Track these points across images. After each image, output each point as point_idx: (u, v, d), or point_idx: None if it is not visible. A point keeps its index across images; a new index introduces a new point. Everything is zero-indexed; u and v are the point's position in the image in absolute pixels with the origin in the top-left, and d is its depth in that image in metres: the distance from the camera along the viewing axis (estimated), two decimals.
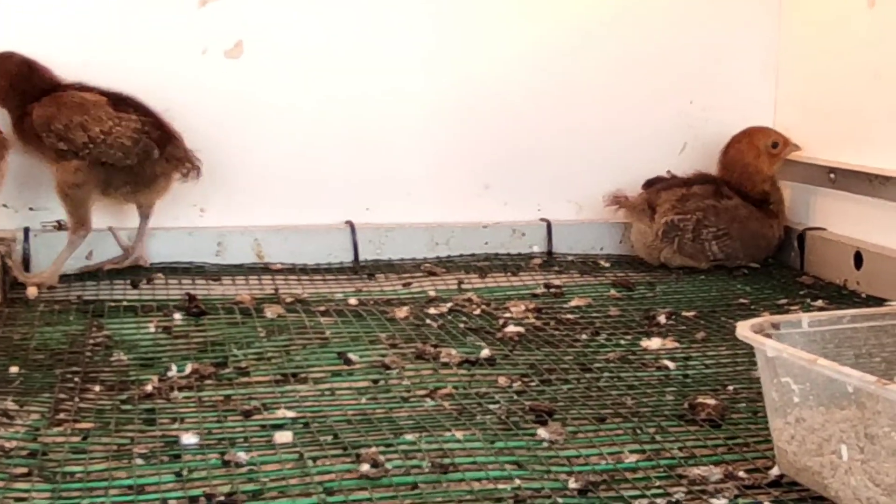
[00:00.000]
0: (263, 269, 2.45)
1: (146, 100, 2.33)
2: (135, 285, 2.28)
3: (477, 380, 1.70)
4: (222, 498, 1.24)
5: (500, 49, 2.62)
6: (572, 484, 1.29)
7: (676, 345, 1.90)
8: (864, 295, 2.27)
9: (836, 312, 1.42)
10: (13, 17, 2.36)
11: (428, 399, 1.61)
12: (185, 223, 2.50)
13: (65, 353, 1.82)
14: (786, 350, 1.26)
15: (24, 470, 1.33)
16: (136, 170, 2.28)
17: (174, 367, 1.73)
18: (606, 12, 2.67)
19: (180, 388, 1.64)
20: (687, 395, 1.62)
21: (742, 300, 2.24)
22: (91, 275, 2.36)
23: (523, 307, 2.13)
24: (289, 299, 2.18)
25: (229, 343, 1.88)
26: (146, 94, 2.34)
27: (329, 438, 1.43)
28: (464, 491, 1.28)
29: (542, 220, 2.67)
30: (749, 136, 2.59)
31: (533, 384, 1.68)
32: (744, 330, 1.32)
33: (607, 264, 2.56)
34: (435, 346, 1.85)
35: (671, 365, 1.78)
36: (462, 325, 2.01)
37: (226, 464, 1.35)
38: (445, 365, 1.77)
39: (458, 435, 1.45)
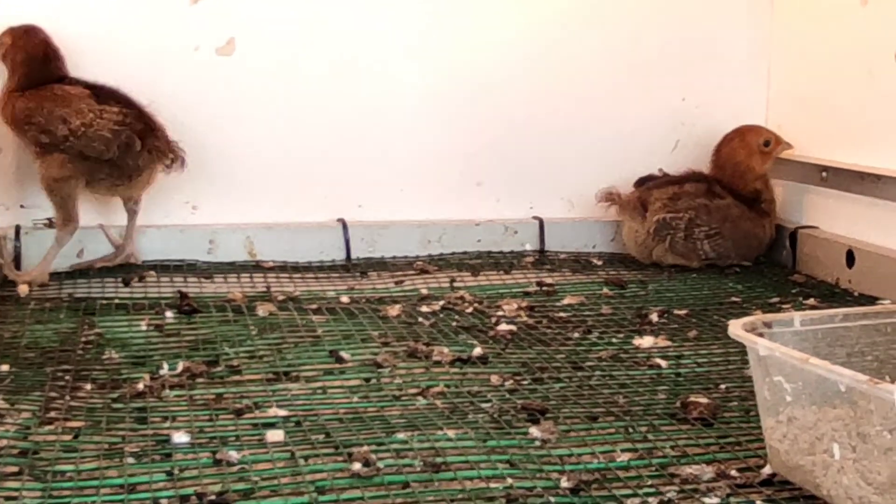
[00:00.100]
0: (255, 267, 2.44)
1: (138, 96, 2.33)
2: (126, 283, 2.28)
3: (469, 378, 1.70)
4: (213, 497, 1.24)
5: (492, 47, 2.62)
6: (564, 483, 1.29)
7: (669, 343, 1.90)
8: (856, 293, 2.27)
9: (828, 311, 1.43)
10: (2, 11, 2.35)
11: (420, 397, 1.61)
12: (177, 220, 2.50)
13: (56, 351, 1.82)
14: (778, 349, 1.26)
15: (15, 469, 1.32)
16: (119, 162, 2.27)
17: (166, 366, 1.73)
18: (599, 10, 2.67)
19: (172, 387, 1.64)
20: (679, 394, 1.62)
21: (734, 298, 2.24)
22: (82, 272, 2.35)
23: (515, 305, 2.13)
24: (281, 297, 2.18)
25: (221, 341, 1.88)
26: (138, 91, 2.34)
27: (321, 437, 1.43)
28: (456, 490, 1.27)
29: (535, 217, 2.67)
30: (741, 135, 2.59)
31: (525, 383, 1.68)
32: (736, 328, 1.32)
33: (600, 262, 2.57)
34: (427, 345, 1.85)
35: (663, 363, 1.78)
36: (454, 324, 2.01)
37: (217, 462, 1.34)
38: (437, 363, 1.77)
39: (450, 434, 1.44)
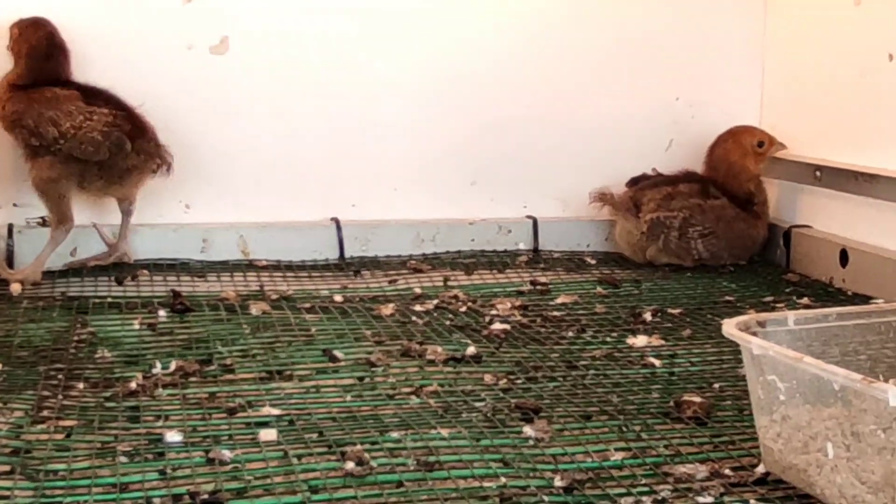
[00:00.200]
0: (248, 266, 2.44)
1: (132, 95, 2.33)
2: (119, 282, 2.27)
3: (463, 377, 1.70)
4: (206, 496, 1.24)
5: (488, 47, 2.62)
6: (558, 482, 1.29)
7: (662, 342, 1.90)
8: (849, 292, 2.27)
9: (822, 310, 1.43)
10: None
11: (413, 397, 1.60)
12: (171, 219, 2.49)
13: (48, 349, 1.81)
14: (772, 348, 1.26)
15: (7, 468, 1.32)
16: (109, 163, 2.27)
17: (158, 365, 1.72)
18: (596, 10, 2.67)
19: (165, 386, 1.64)
20: (673, 393, 1.62)
21: (728, 298, 2.24)
22: (75, 271, 2.35)
23: (509, 304, 2.13)
24: (274, 296, 2.18)
25: (214, 340, 1.88)
26: (131, 90, 2.34)
27: (314, 436, 1.43)
28: (449, 489, 1.27)
29: (529, 217, 2.66)
30: (735, 136, 2.59)
31: (519, 382, 1.68)
32: (730, 328, 1.32)
33: (593, 261, 2.56)
34: (421, 344, 1.85)
35: (657, 363, 1.78)
36: (448, 323, 2.00)
37: (210, 461, 1.34)
38: (431, 362, 1.77)
39: (444, 433, 1.44)
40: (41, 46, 2.29)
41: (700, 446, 1.42)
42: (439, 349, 1.81)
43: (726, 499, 1.26)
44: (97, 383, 1.65)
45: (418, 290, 2.25)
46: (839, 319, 1.39)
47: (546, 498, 1.25)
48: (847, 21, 2.42)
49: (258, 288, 2.26)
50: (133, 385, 1.63)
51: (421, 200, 2.61)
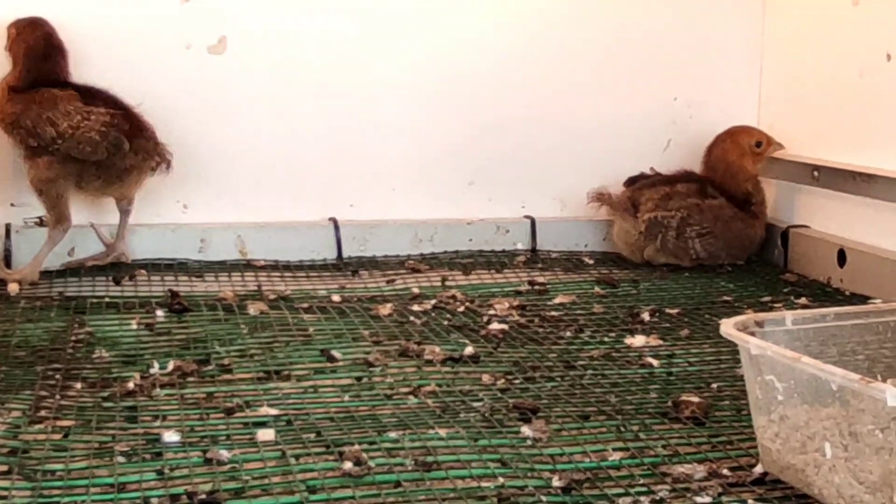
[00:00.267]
0: (246, 266, 2.44)
1: (130, 95, 2.33)
2: (117, 282, 2.27)
3: (461, 377, 1.70)
4: (204, 496, 1.24)
5: (486, 47, 2.62)
6: (556, 482, 1.29)
7: (660, 342, 1.90)
8: (847, 292, 2.27)
9: (819, 310, 1.43)
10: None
11: (411, 397, 1.60)
12: (168, 219, 2.49)
13: (46, 349, 1.81)
14: (770, 348, 1.26)
15: (5, 468, 1.32)
16: (107, 163, 2.27)
17: (156, 365, 1.72)
18: (594, 10, 2.67)
19: (162, 386, 1.63)
20: (671, 393, 1.62)
21: (726, 297, 2.24)
22: (73, 271, 2.34)
23: (507, 304, 2.12)
24: (272, 296, 2.17)
25: (212, 340, 1.88)
26: (130, 90, 2.34)
27: (312, 436, 1.43)
28: (447, 489, 1.27)
29: (527, 216, 2.66)
30: (733, 136, 2.59)
31: (517, 382, 1.68)
32: (728, 327, 1.32)
33: (591, 261, 2.56)
34: (418, 344, 1.85)
35: (655, 362, 1.78)
36: (446, 323, 2.00)
37: (208, 462, 1.34)
38: (429, 362, 1.77)
39: (442, 433, 1.44)
40: (39, 47, 2.29)
41: (698, 446, 1.42)
42: (437, 349, 1.81)
43: (724, 499, 1.26)
44: (95, 383, 1.64)
45: (416, 290, 2.25)
46: (837, 319, 1.39)
47: (544, 498, 1.25)
48: (845, 21, 2.42)
49: (256, 288, 2.26)
50: (131, 385, 1.63)
51: (419, 200, 2.61)
